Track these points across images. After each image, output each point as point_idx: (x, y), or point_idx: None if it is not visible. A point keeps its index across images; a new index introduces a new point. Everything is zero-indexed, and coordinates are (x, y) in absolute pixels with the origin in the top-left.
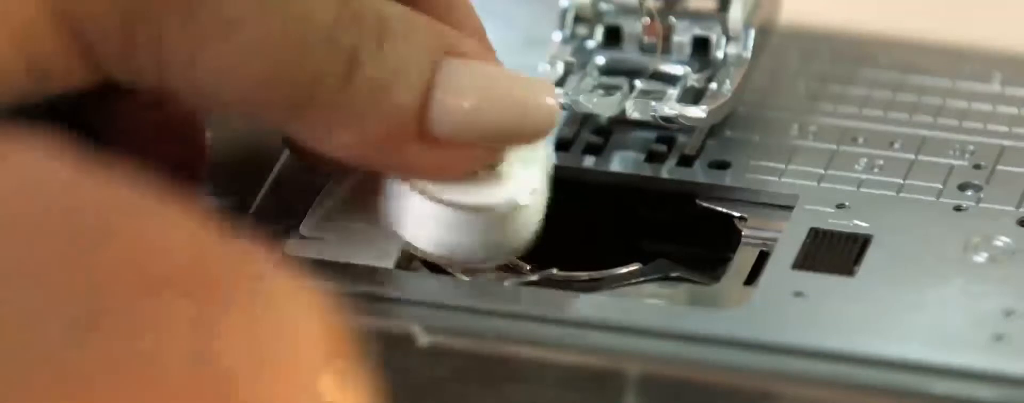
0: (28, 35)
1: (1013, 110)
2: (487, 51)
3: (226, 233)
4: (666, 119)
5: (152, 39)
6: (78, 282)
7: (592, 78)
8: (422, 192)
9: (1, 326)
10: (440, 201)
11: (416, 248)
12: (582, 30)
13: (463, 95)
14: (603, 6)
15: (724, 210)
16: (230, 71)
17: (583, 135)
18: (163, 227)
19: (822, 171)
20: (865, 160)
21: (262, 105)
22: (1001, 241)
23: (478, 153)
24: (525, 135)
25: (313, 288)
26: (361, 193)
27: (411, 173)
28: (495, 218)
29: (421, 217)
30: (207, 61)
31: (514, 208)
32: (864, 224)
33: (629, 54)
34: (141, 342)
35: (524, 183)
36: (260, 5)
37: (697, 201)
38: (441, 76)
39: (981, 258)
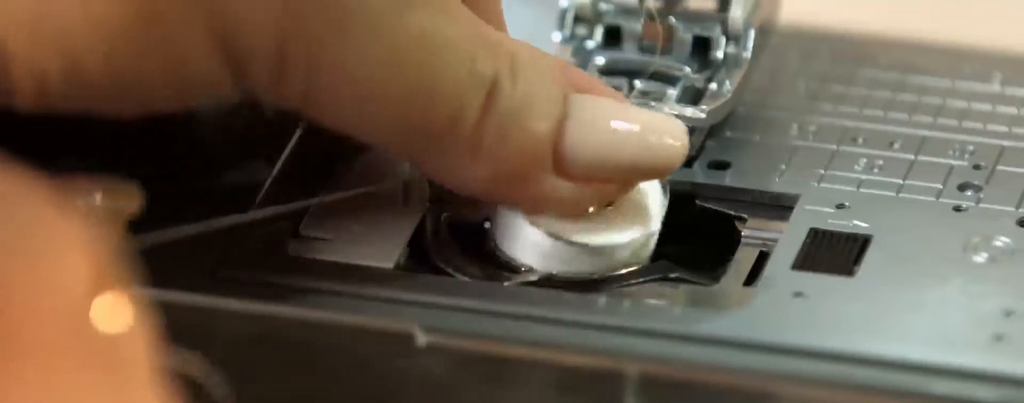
0: (179, 50)
1: (1013, 110)
2: (606, 87)
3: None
4: None
5: (305, 61)
6: None
7: None
8: (538, 225)
9: None
10: (559, 238)
11: (526, 265)
12: (582, 30)
13: (597, 126)
14: (603, 6)
15: (724, 210)
16: (378, 93)
17: None
18: None
19: (822, 171)
20: (865, 160)
21: (406, 129)
22: (1001, 241)
23: (609, 188)
24: (655, 169)
25: (80, 220)
26: (361, 194)
27: (543, 208)
28: (611, 252)
29: (536, 249)
30: (359, 82)
31: (630, 246)
32: (864, 224)
33: (629, 54)
34: None
35: (641, 222)
36: (411, 32)
37: (697, 201)
38: (572, 108)
39: (981, 258)
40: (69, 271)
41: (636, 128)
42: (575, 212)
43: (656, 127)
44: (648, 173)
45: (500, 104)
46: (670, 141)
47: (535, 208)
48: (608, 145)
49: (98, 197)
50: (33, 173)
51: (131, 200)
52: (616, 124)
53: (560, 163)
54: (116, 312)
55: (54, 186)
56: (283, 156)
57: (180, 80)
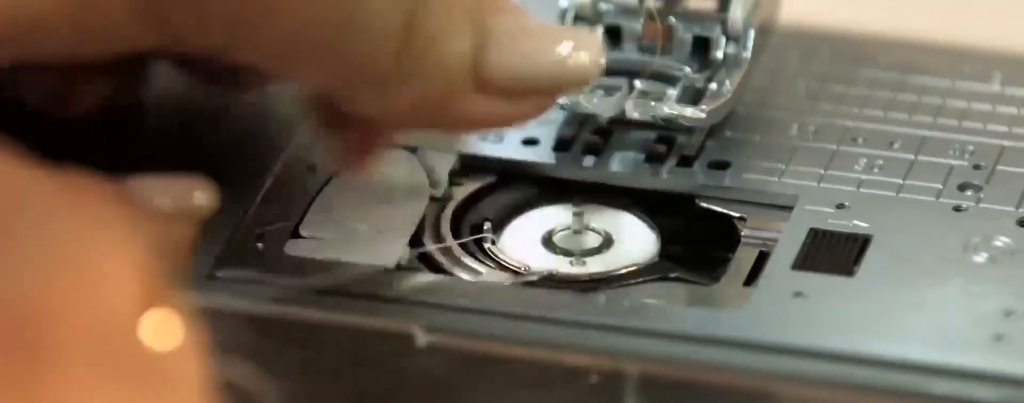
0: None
1: (1013, 110)
2: (524, 11)
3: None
4: (666, 119)
5: (229, 4)
6: None
7: None
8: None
9: None
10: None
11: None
12: None
13: (514, 44)
14: (603, 6)
15: (724, 210)
16: (305, 30)
17: (583, 135)
18: None
19: (822, 171)
20: (865, 160)
21: (334, 63)
22: (1001, 241)
23: (532, 103)
24: (571, 81)
25: (130, 237)
26: (361, 193)
27: (473, 127)
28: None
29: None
30: (285, 21)
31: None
32: (864, 224)
33: (629, 54)
34: None
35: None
36: None
37: (697, 201)
38: (491, 26)
39: (981, 258)
40: (116, 286)
41: (551, 43)
42: (497, 128)
43: (571, 42)
44: (569, 82)
45: (419, 29)
46: (584, 54)
47: (467, 129)
48: (526, 61)
49: (169, 197)
50: (90, 177)
51: (204, 198)
52: (532, 41)
53: (482, 81)
54: (165, 329)
55: (116, 189)
56: (283, 155)
57: (92, 27)
